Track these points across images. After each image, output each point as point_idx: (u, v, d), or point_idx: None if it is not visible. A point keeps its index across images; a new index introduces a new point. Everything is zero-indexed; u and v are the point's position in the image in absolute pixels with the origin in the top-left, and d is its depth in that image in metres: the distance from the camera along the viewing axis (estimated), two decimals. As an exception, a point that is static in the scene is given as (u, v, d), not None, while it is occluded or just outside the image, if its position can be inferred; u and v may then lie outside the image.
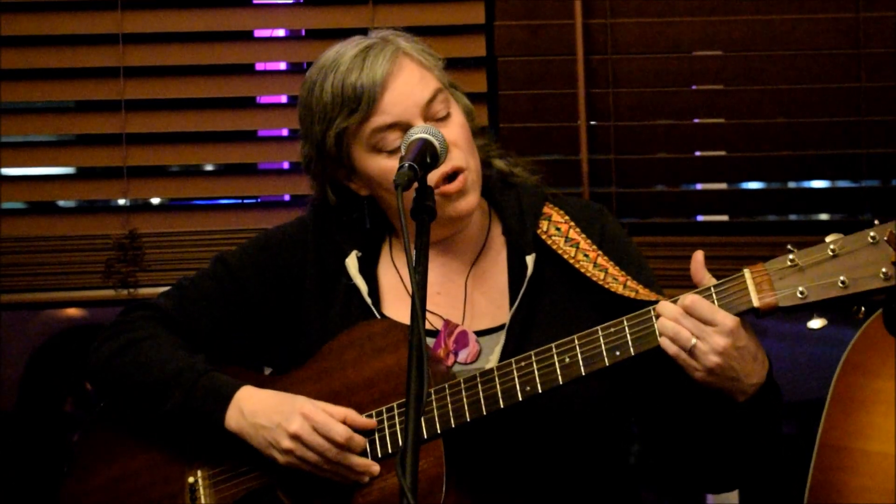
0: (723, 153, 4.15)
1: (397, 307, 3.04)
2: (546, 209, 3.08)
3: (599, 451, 2.99)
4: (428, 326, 3.01)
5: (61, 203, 4.81)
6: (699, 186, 4.26)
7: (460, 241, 3.07)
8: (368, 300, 3.01)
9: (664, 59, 4.10)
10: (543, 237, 3.03)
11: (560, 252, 3.01)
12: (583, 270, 2.98)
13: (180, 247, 4.13)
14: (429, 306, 3.01)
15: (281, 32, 4.29)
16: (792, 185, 4.24)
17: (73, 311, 7.09)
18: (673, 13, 4.10)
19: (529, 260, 2.99)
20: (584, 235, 3.03)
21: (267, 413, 2.91)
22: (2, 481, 5.76)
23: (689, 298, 2.74)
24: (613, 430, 3.01)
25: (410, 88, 2.96)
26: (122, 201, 4.21)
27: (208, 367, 3.00)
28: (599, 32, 4.09)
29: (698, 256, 2.79)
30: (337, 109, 2.96)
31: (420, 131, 2.83)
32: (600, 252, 3.01)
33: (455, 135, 2.96)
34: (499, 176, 3.12)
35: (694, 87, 4.13)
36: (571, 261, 2.99)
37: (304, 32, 4.28)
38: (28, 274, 4.16)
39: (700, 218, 4.23)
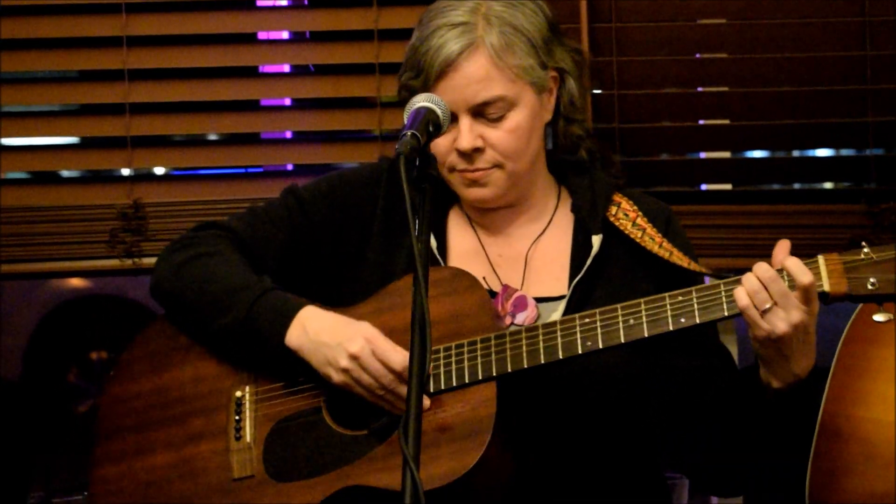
0: (727, 122, 4.14)
1: (463, 263, 3.06)
2: (616, 197, 3.12)
3: (642, 426, 3.03)
4: (485, 286, 3.04)
5: (65, 173, 4.81)
6: (703, 155, 4.24)
7: (523, 212, 3.12)
8: (437, 255, 3.06)
9: (668, 27, 4.08)
10: (612, 219, 3.07)
11: (627, 232, 3.05)
12: (648, 248, 3.02)
13: (184, 216, 4.12)
14: (489, 267, 3.08)
15: (284, 2, 4.28)
16: (796, 153, 4.23)
17: (77, 282, 7.11)
18: (677, -19, 4.09)
19: (596, 240, 3.04)
20: (650, 224, 3.08)
21: (330, 332, 2.95)
22: (6, 451, 5.78)
23: (795, 263, 2.75)
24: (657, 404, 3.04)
25: (466, 84, 2.97)
26: (125, 171, 4.20)
27: (273, 285, 3.05)
28: (603, 0, 4.07)
29: (785, 245, 2.80)
30: (408, 66, 3.04)
31: (422, 99, 2.82)
32: (665, 240, 3.05)
33: (497, 139, 2.99)
34: (575, 161, 3.16)
35: (698, 56, 4.12)
36: (638, 240, 3.04)
37: (306, 2, 4.27)
38: (32, 244, 4.15)
39: (704, 187, 4.22)
